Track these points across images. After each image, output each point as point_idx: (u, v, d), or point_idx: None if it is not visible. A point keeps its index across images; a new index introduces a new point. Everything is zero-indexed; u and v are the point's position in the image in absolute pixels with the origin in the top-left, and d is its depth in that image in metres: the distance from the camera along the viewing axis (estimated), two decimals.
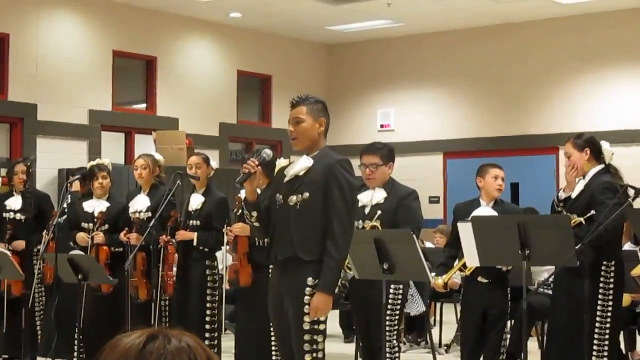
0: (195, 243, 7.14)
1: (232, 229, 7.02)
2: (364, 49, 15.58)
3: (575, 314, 5.79)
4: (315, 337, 4.82)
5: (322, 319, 4.82)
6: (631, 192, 5.54)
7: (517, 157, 13.80)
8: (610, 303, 5.91)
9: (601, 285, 5.91)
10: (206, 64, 14.25)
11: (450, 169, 14.73)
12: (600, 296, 5.89)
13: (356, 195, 4.91)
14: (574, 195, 6.00)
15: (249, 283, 6.93)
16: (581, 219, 5.82)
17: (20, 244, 8.19)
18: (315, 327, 4.83)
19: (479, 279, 6.42)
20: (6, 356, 8.43)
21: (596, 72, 13.60)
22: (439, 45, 14.86)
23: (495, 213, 6.34)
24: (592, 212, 5.77)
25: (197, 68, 14.06)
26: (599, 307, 5.88)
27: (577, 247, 5.22)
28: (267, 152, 5.16)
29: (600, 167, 6.05)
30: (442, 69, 14.86)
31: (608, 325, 5.89)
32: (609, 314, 5.91)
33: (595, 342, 5.87)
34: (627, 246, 7.68)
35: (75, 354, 7.15)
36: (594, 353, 5.85)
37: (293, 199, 4.90)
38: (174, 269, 7.34)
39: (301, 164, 4.99)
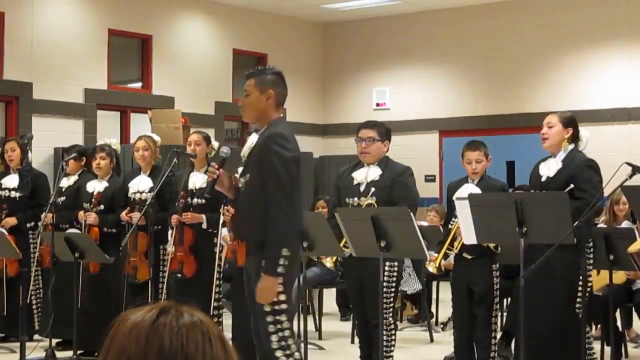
0: (204, 226, 7.12)
1: (230, 209, 6.96)
2: (359, 27, 15.54)
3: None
4: (277, 317, 4.77)
5: (282, 297, 4.72)
6: (628, 169, 5.54)
7: (513, 135, 13.80)
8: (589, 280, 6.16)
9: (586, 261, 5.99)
10: (202, 42, 14.20)
11: (446, 148, 14.73)
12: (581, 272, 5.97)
13: (293, 169, 4.75)
14: (551, 174, 6.02)
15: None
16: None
17: (11, 221, 8.18)
18: (277, 307, 4.76)
19: (464, 254, 6.43)
20: (2, 335, 8.46)
21: (592, 49, 13.57)
22: (435, 23, 14.82)
23: (479, 190, 6.34)
24: (571, 186, 5.78)
25: (192, 47, 14.02)
26: (580, 284, 5.95)
27: (574, 224, 5.23)
28: (225, 152, 5.19)
29: (571, 146, 6.10)
30: (438, 47, 14.83)
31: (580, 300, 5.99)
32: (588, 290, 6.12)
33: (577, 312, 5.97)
34: (625, 224, 7.69)
35: (74, 332, 7.14)
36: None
37: (241, 180, 4.96)
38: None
39: (248, 143, 5.05)
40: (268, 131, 4.90)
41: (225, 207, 7.18)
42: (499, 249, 6.41)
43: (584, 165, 5.95)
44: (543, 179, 6.07)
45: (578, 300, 5.96)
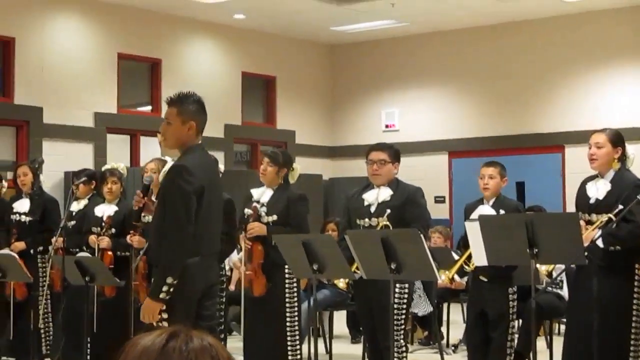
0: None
1: (250, 230, 6.88)
2: (368, 49, 15.57)
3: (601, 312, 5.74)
4: None
5: (164, 316, 4.90)
6: None
7: (523, 155, 13.78)
8: None
9: (636, 287, 5.80)
10: (211, 65, 14.25)
11: (456, 169, 14.71)
12: (635, 300, 5.79)
13: (187, 200, 4.88)
14: (600, 196, 5.87)
15: (263, 293, 6.86)
16: (610, 215, 5.68)
17: (19, 245, 8.20)
18: (159, 324, 4.90)
19: (480, 277, 6.40)
20: (12, 359, 8.45)
21: (602, 69, 13.57)
22: (443, 44, 14.85)
23: (493, 211, 6.31)
24: (620, 207, 5.61)
25: (201, 70, 14.07)
26: (634, 310, 5.79)
27: (614, 248, 5.14)
28: (147, 179, 5.40)
29: (619, 165, 5.97)
30: (447, 68, 14.85)
31: None
32: None
33: (632, 343, 5.80)
34: None
35: (88, 356, 7.13)
36: (631, 355, 5.79)
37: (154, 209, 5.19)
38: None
39: (163, 169, 5.20)
40: (176, 161, 5.12)
41: (246, 232, 7.07)
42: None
43: (634, 186, 5.79)
44: (592, 201, 5.92)
45: (633, 329, 5.79)
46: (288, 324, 6.87)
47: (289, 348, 6.85)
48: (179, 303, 4.97)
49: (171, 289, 4.86)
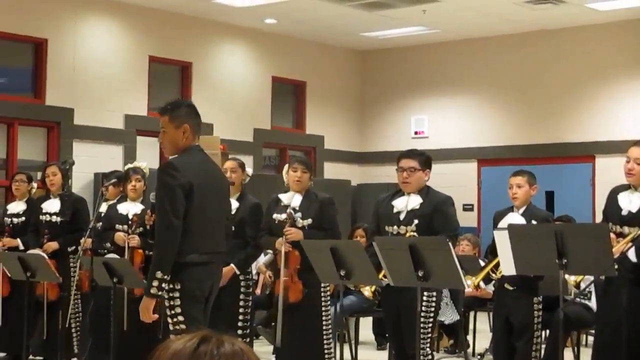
0: (237, 271, 7.15)
1: (288, 235, 6.92)
2: (398, 55, 15.55)
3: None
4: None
5: (180, 318, 5.06)
6: None
7: (552, 165, 13.69)
8: None
9: None
10: (241, 69, 14.29)
11: (485, 177, 14.66)
12: None
13: (171, 194, 5.06)
14: (634, 209, 5.83)
15: (299, 299, 6.89)
16: None
17: (52, 245, 8.25)
18: (177, 327, 5.08)
19: (505, 285, 6.36)
20: (42, 358, 8.51)
21: (634, 79, 13.46)
22: (474, 52, 14.80)
23: (522, 219, 6.28)
24: None
25: (232, 74, 14.11)
26: None
27: None
28: (154, 198, 5.63)
29: None
30: (477, 75, 14.80)
31: None
32: None
33: None
34: None
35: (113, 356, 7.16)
36: None
37: None
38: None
39: None
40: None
41: (284, 237, 7.09)
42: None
43: None
44: (624, 213, 5.88)
45: None
46: (324, 329, 6.90)
47: (325, 353, 6.86)
48: (190, 303, 5.10)
49: (163, 284, 5.02)
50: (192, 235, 5.09)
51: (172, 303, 5.11)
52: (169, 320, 5.12)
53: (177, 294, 5.10)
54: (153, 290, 5.03)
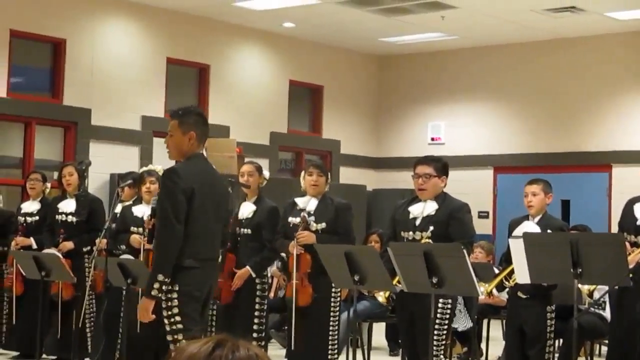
0: (253, 274, 7.16)
1: (300, 238, 6.95)
2: (416, 61, 15.54)
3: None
4: (176, 336, 5.16)
5: (177, 318, 5.14)
6: None
7: (569, 173, 13.64)
8: None
9: None
10: (258, 73, 14.31)
11: (501, 184, 14.62)
12: None
13: (173, 198, 5.16)
14: None
15: (309, 303, 6.90)
16: None
17: (68, 245, 8.28)
18: (174, 327, 5.16)
19: (518, 293, 6.34)
20: (55, 357, 8.54)
21: None
22: (492, 59, 14.77)
23: (537, 227, 6.26)
24: None
25: (249, 77, 14.13)
26: None
27: None
28: (154, 203, 5.72)
29: None
30: (495, 83, 14.77)
31: None
32: None
33: None
34: None
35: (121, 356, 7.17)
36: None
37: None
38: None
39: None
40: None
41: (296, 240, 7.12)
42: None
43: None
44: (639, 223, 5.89)
45: None
46: (330, 335, 6.90)
47: (329, 358, 6.87)
48: (189, 303, 5.18)
49: (163, 287, 5.10)
50: (191, 239, 5.18)
51: (169, 304, 5.17)
52: (166, 320, 5.18)
53: (174, 295, 5.17)
54: (154, 292, 5.11)
